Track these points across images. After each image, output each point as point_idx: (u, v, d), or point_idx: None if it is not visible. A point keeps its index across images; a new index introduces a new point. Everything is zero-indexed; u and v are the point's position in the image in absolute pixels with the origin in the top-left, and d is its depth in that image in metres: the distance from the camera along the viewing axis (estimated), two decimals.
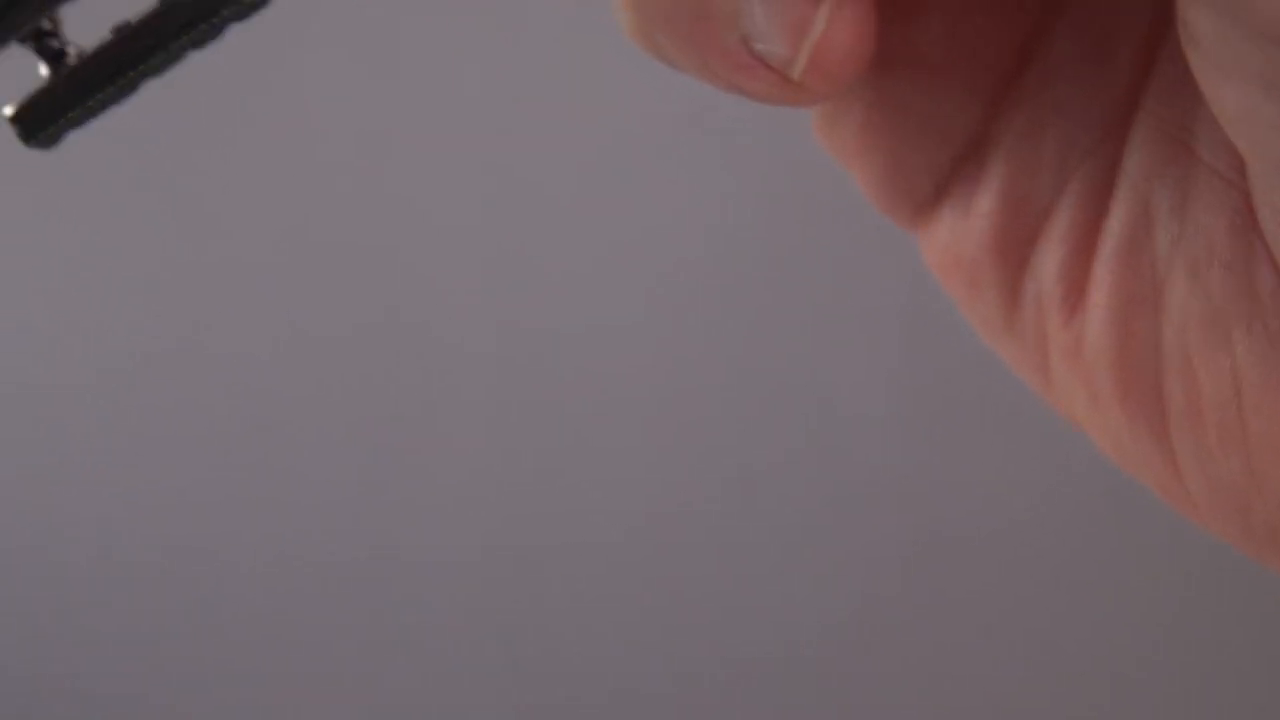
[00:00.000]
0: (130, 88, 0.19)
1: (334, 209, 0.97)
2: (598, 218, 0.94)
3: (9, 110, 0.18)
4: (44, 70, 0.18)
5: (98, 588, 0.98)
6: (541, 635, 0.96)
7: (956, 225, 0.20)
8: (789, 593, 0.94)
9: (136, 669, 0.98)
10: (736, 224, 0.96)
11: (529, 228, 0.96)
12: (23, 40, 0.18)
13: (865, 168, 0.20)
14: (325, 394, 0.98)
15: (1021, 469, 0.93)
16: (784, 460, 0.95)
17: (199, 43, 0.18)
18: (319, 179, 0.98)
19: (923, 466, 0.93)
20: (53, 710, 0.98)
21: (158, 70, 0.19)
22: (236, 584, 0.98)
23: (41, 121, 0.19)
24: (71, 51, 0.18)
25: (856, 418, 0.94)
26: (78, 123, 0.19)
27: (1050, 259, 0.19)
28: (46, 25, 0.18)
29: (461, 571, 0.97)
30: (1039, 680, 0.91)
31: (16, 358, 1.00)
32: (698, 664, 0.95)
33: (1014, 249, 0.19)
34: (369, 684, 0.97)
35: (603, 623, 0.96)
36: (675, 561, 0.96)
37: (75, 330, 1.00)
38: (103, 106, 0.19)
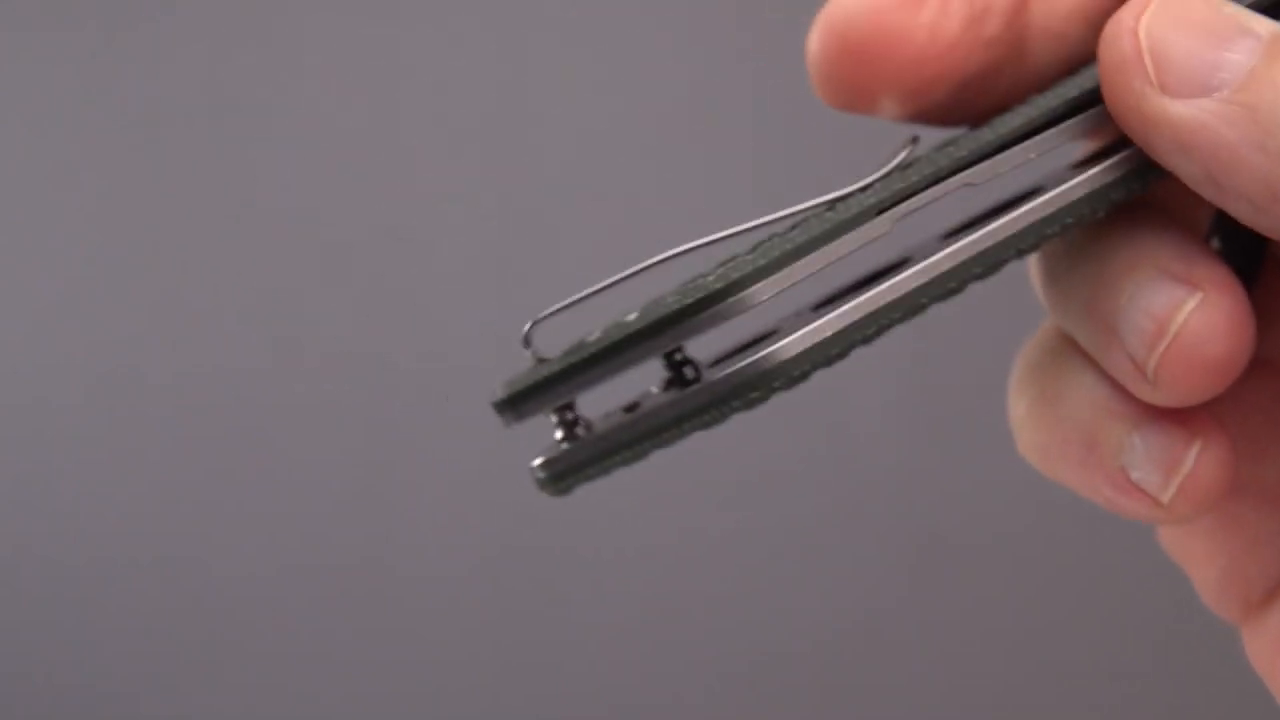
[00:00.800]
0: (639, 457, 0.21)
1: (330, 215, 0.97)
2: (597, 220, 0.94)
3: (540, 463, 0.22)
4: (558, 434, 0.22)
5: (98, 590, 0.98)
6: (543, 641, 0.96)
7: None
8: (791, 596, 0.94)
9: (136, 670, 0.98)
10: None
11: (527, 232, 0.96)
12: (545, 411, 0.22)
13: (1203, 570, 0.24)
14: (323, 399, 0.98)
15: (1023, 475, 0.93)
16: (785, 466, 0.95)
17: (707, 425, 0.21)
18: (317, 183, 0.98)
19: (925, 472, 0.93)
20: (53, 710, 0.98)
21: (668, 444, 0.21)
22: (234, 590, 0.98)
23: (560, 476, 0.22)
24: (582, 424, 0.22)
25: (858, 423, 0.94)
26: (589, 479, 0.22)
27: None
28: (564, 402, 0.22)
29: (464, 574, 0.97)
30: (1040, 681, 0.91)
31: (19, 364, 1.00)
32: (698, 666, 0.95)
33: None
34: (366, 686, 0.97)
35: (606, 628, 0.96)
36: (676, 566, 0.96)
37: (77, 336, 1.00)
38: (615, 468, 0.21)
